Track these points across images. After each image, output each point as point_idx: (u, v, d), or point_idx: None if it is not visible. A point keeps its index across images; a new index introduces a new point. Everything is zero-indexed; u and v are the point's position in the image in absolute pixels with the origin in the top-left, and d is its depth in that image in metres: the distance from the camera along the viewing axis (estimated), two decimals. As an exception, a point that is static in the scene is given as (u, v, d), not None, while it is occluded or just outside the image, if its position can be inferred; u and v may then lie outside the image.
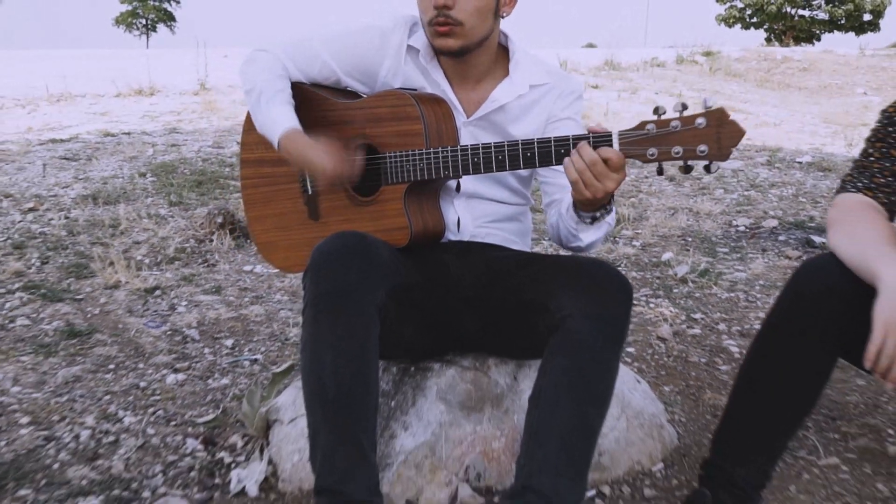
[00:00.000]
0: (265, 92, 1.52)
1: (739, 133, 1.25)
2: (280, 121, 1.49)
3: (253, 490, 1.57)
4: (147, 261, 2.95)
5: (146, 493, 1.54)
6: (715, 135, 1.25)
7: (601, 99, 8.06)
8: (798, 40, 34.01)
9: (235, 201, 3.62)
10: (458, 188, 1.60)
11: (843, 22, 35.83)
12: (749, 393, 1.39)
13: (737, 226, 3.66)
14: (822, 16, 36.31)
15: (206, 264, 2.98)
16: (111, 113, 6.49)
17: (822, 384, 1.38)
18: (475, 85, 1.60)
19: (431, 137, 1.49)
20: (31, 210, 3.50)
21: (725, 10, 38.50)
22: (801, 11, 36.61)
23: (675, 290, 2.77)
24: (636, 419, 1.71)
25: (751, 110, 8.61)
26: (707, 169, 1.28)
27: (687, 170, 1.29)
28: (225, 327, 2.41)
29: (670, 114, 1.28)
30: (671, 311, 2.56)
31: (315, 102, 1.61)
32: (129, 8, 58.18)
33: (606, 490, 1.60)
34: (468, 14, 1.45)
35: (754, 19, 37.82)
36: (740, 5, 37.72)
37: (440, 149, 1.46)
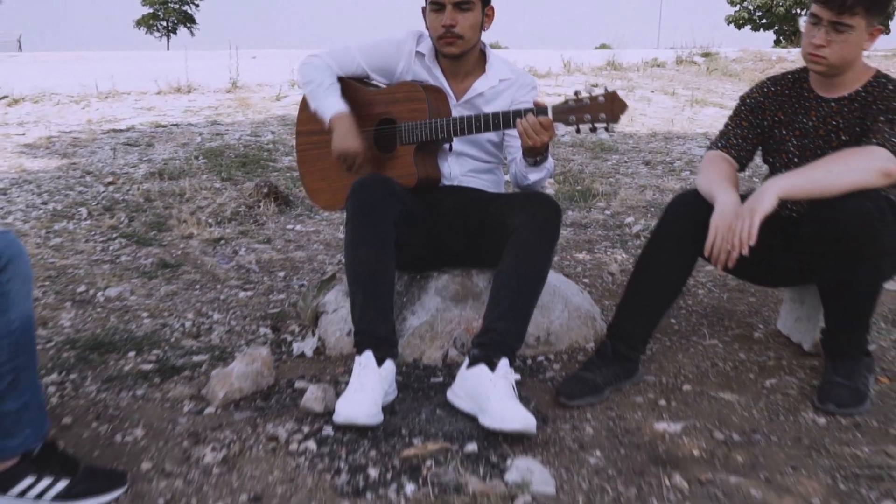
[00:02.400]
0: (323, 84, 2.26)
1: (625, 106, 1.97)
2: (332, 107, 2.23)
3: (309, 353, 2.31)
4: (210, 220, 3.70)
5: (237, 354, 2.28)
6: (610, 107, 1.98)
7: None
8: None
9: (276, 176, 4.38)
10: (450, 148, 2.33)
11: (852, 23, 36.19)
12: (638, 278, 2.11)
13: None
14: (833, 17, 36.69)
15: (256, 223, 3.73)
16: (156, 108, 7.28)
17: (686, 273, 2.10)
18: (462, 79, 2.32)
19: (432, 112, 2.22)
20: (110, 183, 4.27)
21: (735, 11, 38.97)
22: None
23: (629, 243, 3.48)
24: (575, 312, 2.43)
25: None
26: (606, 129, 2.00)
27: (593, 130, 2.01)
28: (277, 265, 3.16)
29: (583, 95, 2.01)
30: (622, 256, 3.28)
31: (353, 90, 2.35)
32: (150, 10, 59.54)
33: (552, 356, 2.32)
34: (465, 30, 2.18)
35: (764, 21, 38.27)
36: (751, 7, 38.16)
37: (438, 119, 2.19)
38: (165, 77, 8.67)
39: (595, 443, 1.79)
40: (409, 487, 1.59)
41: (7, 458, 1.48)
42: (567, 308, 2.43)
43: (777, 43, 36.06)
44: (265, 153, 5.17)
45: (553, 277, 2.52)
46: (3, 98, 7.70)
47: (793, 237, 2.05)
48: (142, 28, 60.31)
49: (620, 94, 2.00)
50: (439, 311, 2.32)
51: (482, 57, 2.33)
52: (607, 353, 2.08)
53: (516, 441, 1.76)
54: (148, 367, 2.17)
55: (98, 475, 1.57)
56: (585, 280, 2.99)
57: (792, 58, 13.13)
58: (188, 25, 60.01)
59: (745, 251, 1.85)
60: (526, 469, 1.64)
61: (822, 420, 1.89)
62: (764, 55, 13.49)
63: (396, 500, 1.55)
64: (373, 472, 1.65)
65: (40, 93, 7.99)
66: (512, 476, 1.62)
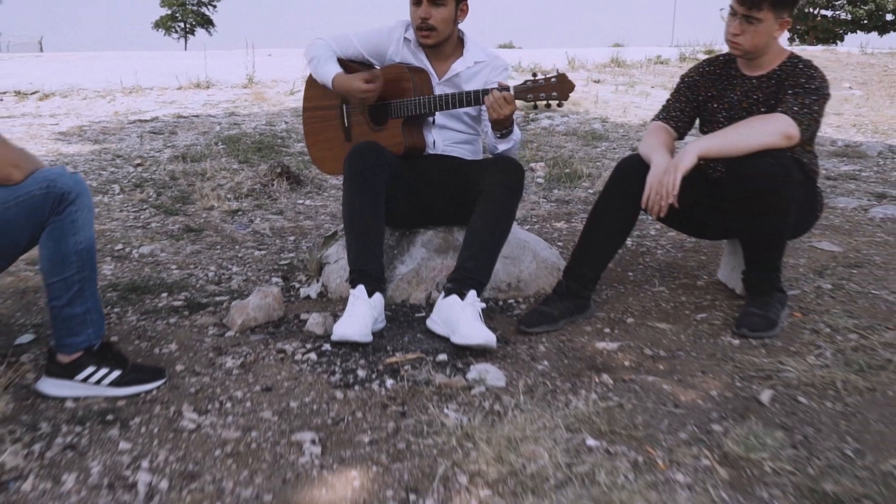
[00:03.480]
0: (322, 58, 2.67)
1: (572, 86, 2.37)
2: (332, 71, 2.64)
3: (313, 296, 2.71)
4: (229, 196, 4.12)
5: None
6: (560, 87, 2.37)
7: (600, 91, 9.13)
8: (820, 41, 34.50)
9: (289, 160, 4.79)
10: (433, 122, 2.73)
11: (865, 22, 36.19)
12: (589, 227, 2.49)
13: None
14: (845, 16, 36.71)
15: (269, 198, 4.15)
16: (177, 102, 7.74)
17: (630, 223, 2.48)
18: (443, 61, 2.72)
19: (417, 90, 2.62)
20: (138, 165, 4.71)
21: (748, 10, 39.01)
22: (823, 11, 37.04)
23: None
24: (543, 264, 2.82)
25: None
26: (559, 105, 2.40)
27: (548, 106, 2.40)
28: (287, 231, 3.58)
29: (539, 77, 2.40)
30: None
31: (351, 71, 2.75)
32: (169, 12, 60.48)
33: (521, 300, 2.71)
34: (438, 22, 2.58)
35: (777, 19, 38.30)
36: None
37: (421, 97, 2.59)
38: (185, 73, 9.14)
39: (544, 356, 2.18)
40: (389, 382, 2.00)
41: (73, 352, 1.89)
42: (535, 260, 2.82)
43: (791, 42, 36.13)
44: (279, 140, 5.60)
45: (525, 235, 2.92)
46: (34, 93, 8.19)
47: (717, 194, 2.43)
48: (160, 30, 61.26)
49: (569, 76, 2.39)
50: (424, 260, 2.72)
51: (460, 42, 2.73)
52: (563, 291, 2.47)
53: (479, 354, 2.16)
54: (178, 303, 2.59)
55: (143, 369, 1.99)
56: (560, 244, 3.38)
57: (793, 54, 13.41)
58: (206, 27, 60.85)
59: (672, 201, 2.23)
60: (483, 370, 2.04)
61: (736, 342, 2.27)
62: (766, 52, 13.75)
63: (378, 391, 1.95)
64: (361, 373, 2.05)
65: (68, 88, 8.48)
66: (471, 374, 2.02)
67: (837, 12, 37.00)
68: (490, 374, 2.02)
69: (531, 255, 2.82)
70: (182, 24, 60.89)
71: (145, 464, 1.61)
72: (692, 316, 2.50)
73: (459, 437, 1.68)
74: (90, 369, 1.90)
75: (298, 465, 1.61)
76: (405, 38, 2.70)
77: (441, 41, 2.62)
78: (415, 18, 2.59)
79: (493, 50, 2.83)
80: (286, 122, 6.39)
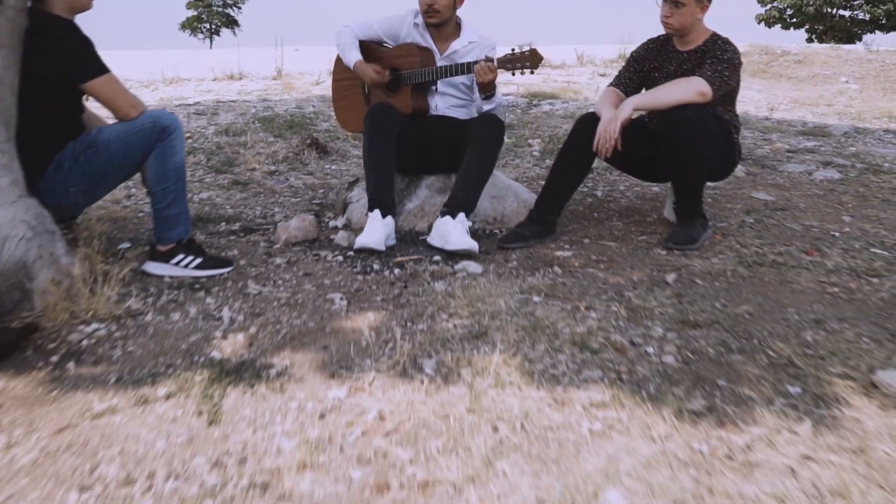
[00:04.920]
0: (347, 45, 3.40)
1: (541, 58, 3.07)
2: (354, 57, 3.36)
3: (339, 225, 3.44)
4: (267, 161, 4.87)
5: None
6: (532, 59, 3.07)
7: (602, 83, 9.78)
8: (839, 41, 34.74)
9: (317, 134, 5.53)
10: (436, 89, 3.43)
11: (883, 21, 36.33)
12: (554, 169, 3.18)
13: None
14: (863, 16, 36.86)
15: (301, 164, 4.89)
16: (214, 91, 8.53)
17: (586, 166, 3.17)
18: (444, 41, 3.43)
19: (423, 64, 3.33)
20: (188, 138, 5.47)
21: (766, 10, 39.31)
22: (841, 11, 37.22)
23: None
24: (522, 203, 3.52)
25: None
26: (531, 72, 3.11)
27: (522, 73, 3.10)
28: (318, 186, 4.31)
29: (517, 50, 3.10)
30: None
31: (372, 50, 3.47)
32: (195, 13, 61.89)
33: (504, 230, 3.40)
34: (441, 7, 3.29)
35: (794, 20, 38.56)
36: (780, 6, 38.43)
37: (426, 68, 3.30)
38: (220, 66, 9.93)
39: (514, 259, 2.88)
40: (396, 271, 2.71)
41: (169, 243, 2.63)
42: (517, 200, 3.52)
43: (809, 41, 36.41)
44: (308, 120, 6.35)
45: (510, 181, 3.62)
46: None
47: (655, 143, 3.12)
48: (186, 31, 62.67)
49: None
50: (427, 198, 3.43)
51: (458, 26, 3.44)
52: (533, 218, 3.17)
53: (465, 257, 2.86)
54: (234, 228, 3.32)
55: (217, 259, 2.72)
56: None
57: (795, 51, 13.94)
58: (231, 27, 62.15)
59: (613, 143, 2.92)
60: (467, 265, 2.75)
61: (664, 252, 2.96)
62: (769, 49, 14.29)
63: (388, 276, 2.67)
64: (376, 266, 2.77)
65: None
66: (457, 266, 2.73)
67: (855, 12, 37.14)
68: (471, 266, 2.73)
69: (513, 195, 3.52)
70: (207, 26, 62.24)
71: (226, 308, 2.34)
72: (635, 238, 3.19)
73: (444, 296, 2.40)
74: (180, 256, 2.64)
75: (331, 310, 2.33)
76: (414, 24, 3.42)
77: (443, 21, 3.33)
78: (422, 4, 3.30)
79: (484, 32, 3.52)
80: (313, 107, 7.15)
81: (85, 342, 2.08)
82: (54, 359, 1.98)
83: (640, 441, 1.55)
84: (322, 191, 4.18)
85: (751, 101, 9.72)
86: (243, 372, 1.88)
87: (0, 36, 2.16)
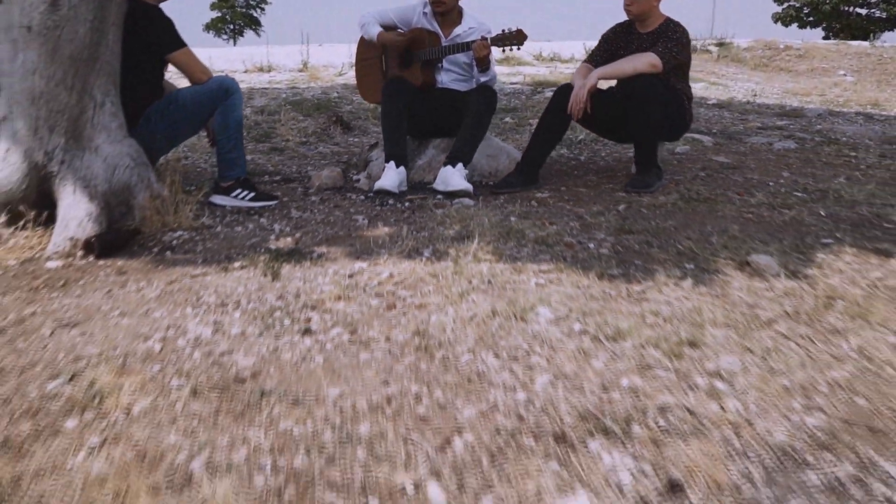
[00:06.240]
0: (370, 23, 4.13)
1: (525, 36, 3.79)
2: (377, 31, 4.09)
3: (362, 180, 4.17)
4: (299, 134, 5.62)
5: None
6: (518, 38, 3.78)
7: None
8: (855, 38, 34.93)
9: (342, 113, 6.28)
10: (442, 66, 4.15)
11: (900, 20, 36.41)
12: (537, 129, 3.89)
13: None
14: (880, 14, 37.00)
15: (328, 137, 5.63)
16: (245, 81, 9.31)
17: (563, 128, 3.88)
18: (449, 27, 4.15)
19: (430, 45, 4.05)
20: (229, 117, 6.25)
21: (782, 9, 39.57)
22: (857, 10, 37.39)
23: (574, 147, 5.25)
24: (513, 161, 4.22)
25: (730, 84, 10.81)
26: (518, 49, 3.82)
27: (511, 49, 3.82)
28: (342, 153, 5.04)
29: (506, 31, 3.82)
30: (569, 153, 5.05)
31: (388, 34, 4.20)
32: (219, 14, 63.22)
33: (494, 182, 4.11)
34: (447, -1, 4.02)
35: (811, 18, 38.79)
36: (797, 4, 38.67)
37: (433, 48, 4.02)
38: (250, 59, 10.73)
39: (503, 199, 3.60)
40: (407, 204, 3.44)
41: (229, 180, 3.37)
42: (509, 158, 4.23)
43: (826, 38, 36.65)
44: (333, 103, 7.10)
45: (503, 144, 4.33)
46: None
47: (620, 108, 3.82)
48: (210, 31, 64.03)
49: (525, 31, 3.81)
50: (434, 156, 4.16)
51: (460, 14, 4.16)
52: (520, 169, 3.88)
53: (462, 196, 3.58)
54: (276, 179, 4.07)
55: (267, 194, 3.46)
56: (533, 159, 4.77)
57: (797, 46, 14.49)
58: (254, 28, 63.37)
59: (583, 105, 3.63)
60: (463, 200, 3.47)
61: (622, 194, 3.65)
62: (772, 44, 14.87)
63: (401, 207, 3.39)
64: (391, 202, 3.50)
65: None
66: (455, 202, 3.46)
67: (872, 10, 37.30)
68: (466, 201, 3.45)
69: (506, 154, 4.24)
70: (231, 26, 63.51)
71: (276, 224, 3.08)
72: (602, 185, 3.89)
73: (441, 217, 3.12)
74: (238, 190, 3.38)
75: (356, 225, 3.06)
76: (424, 12, 4.14)
77: (448, 10, 4.05)
78: None
79: (482, 18, 4.24)
80: (337, 93, 7.91)
81: (175, 241, 2.82)
82: (155, 250, 2.73)
83: (569, 287, 2.26)
84: (346, 157, 4.92)
85: (740, 90, 10.33)
86: (293, 256, 2.61)
87: (115, 17, 2.91)
